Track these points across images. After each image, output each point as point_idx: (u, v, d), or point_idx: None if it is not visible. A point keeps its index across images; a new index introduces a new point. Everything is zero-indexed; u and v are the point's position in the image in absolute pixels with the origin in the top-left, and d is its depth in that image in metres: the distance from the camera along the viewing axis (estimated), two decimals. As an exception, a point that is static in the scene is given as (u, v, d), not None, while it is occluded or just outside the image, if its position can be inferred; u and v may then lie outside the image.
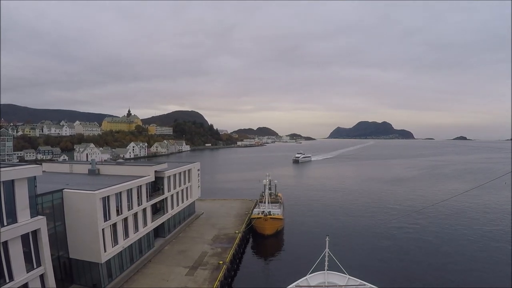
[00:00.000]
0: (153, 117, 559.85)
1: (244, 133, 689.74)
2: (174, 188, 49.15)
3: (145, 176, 40.11)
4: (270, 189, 64.09)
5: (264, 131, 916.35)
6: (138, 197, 37.88)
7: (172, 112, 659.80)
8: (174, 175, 48.97)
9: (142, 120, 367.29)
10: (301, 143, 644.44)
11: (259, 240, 51.99)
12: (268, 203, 55.57)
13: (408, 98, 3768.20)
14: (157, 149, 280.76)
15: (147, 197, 40.18)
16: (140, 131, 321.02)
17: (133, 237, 36.84)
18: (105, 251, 31.22)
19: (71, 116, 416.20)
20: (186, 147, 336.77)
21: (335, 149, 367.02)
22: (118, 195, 33.85)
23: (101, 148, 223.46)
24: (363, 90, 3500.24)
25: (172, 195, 48.54)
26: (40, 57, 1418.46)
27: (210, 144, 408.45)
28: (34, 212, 23.32)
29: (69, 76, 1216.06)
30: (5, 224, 20.85)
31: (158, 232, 45.76)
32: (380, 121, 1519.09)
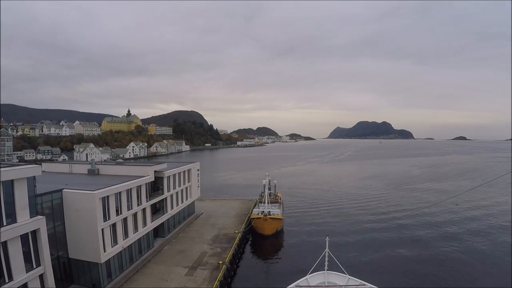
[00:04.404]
0: (153, 117, 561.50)
1: (244, 133, 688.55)
2: (174, 188, 49.14)
3: (145, 176, 40.10)
4: (269, 189, 64.07)
5: (264, 131, 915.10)
6: (137, 197, 37.86)
7: (172, 112, 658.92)
8: (174, 175, 48.95)
9: (141, 120, 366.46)
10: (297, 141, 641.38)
11: (259, 240, 51.94)
12: (268, 203, 55.59)
13: (418, 95, 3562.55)
14: (156, 149, 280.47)
15: (146, 197, 40.17)
16: (139, 131, 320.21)
17: (133, 237, 36.83)
18: (104, 251, 31.20)
19: (71, 116, 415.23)
20: (186, 147, 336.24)
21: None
22: (118, 195, 33.85)
23: (100, 148, 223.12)
24: (377, 85, 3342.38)
25: (171, 195, 48.52)
26: (36, 47, 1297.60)
27: (209, 144, 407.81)
28: (34, 212, 23.32)
29: (68, 69, 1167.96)
30: (5, 224, 20.86)
31: (157, 232, 45.75)
32: (379, 121, 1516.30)
